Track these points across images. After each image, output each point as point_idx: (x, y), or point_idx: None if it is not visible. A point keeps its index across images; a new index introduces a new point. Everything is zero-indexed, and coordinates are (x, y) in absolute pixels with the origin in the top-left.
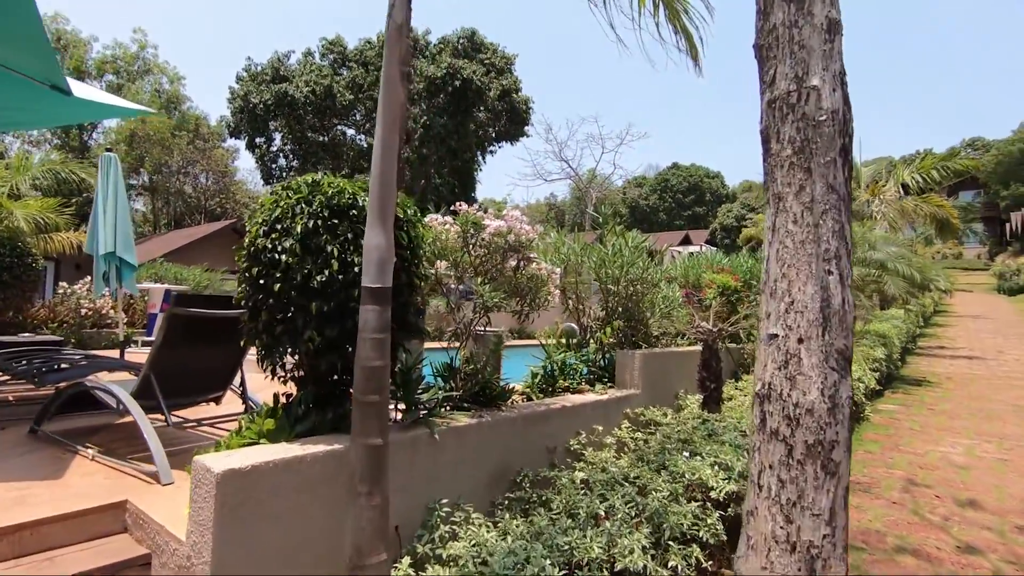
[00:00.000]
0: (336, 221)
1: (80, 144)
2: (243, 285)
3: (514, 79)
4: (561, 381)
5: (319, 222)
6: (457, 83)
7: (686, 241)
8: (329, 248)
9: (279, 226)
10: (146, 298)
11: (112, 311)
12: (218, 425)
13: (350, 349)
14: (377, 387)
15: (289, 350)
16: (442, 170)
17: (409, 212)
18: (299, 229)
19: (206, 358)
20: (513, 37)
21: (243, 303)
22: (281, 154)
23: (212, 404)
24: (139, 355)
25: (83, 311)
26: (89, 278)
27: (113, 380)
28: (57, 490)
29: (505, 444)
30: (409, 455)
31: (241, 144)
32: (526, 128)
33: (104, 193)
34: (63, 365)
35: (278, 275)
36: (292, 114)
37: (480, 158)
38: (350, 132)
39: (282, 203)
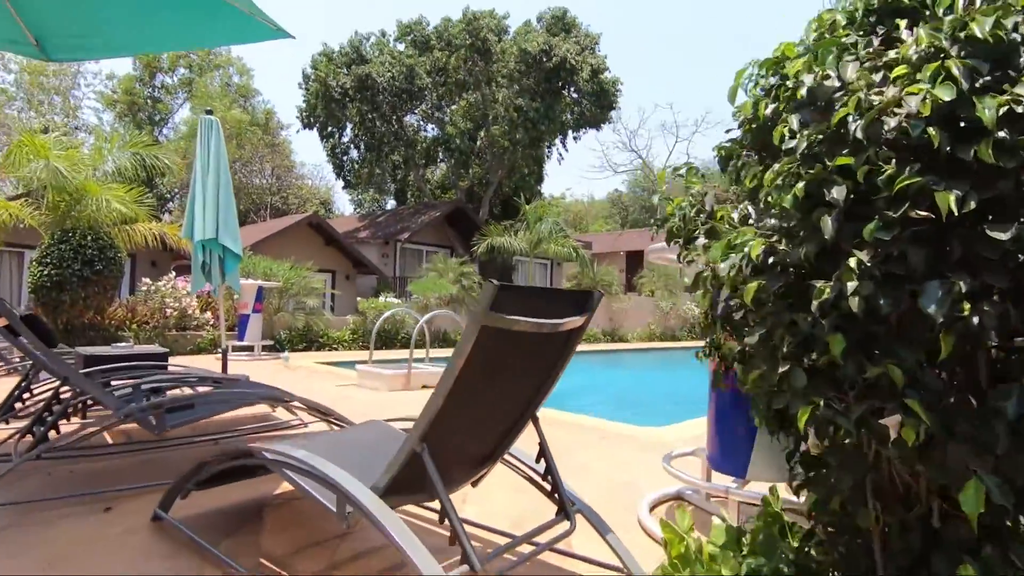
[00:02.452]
0: None
1: (153, 142)
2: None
3: (601, 58)
4: None
5: None
6: (552, 62)
7: None
8: None
9: None
10: (236, 297)
11: (198, 312)
12: (558, 550)
13: None
14: None
15: None
16: (528, 160)
17: None
18: None
19: (498, 406)
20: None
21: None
22: (352, 146)
23: (469, 487)
24: (240, 365)
25: (168, 311)
26: (173, 274)
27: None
28: None
29: None
30: None
31: (306, 135)
32: (612, 113)
33: (204, 166)
34: (180, 396)
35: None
36: (371, 99)
37: (562, 145)
38: (420, 121)
39: None
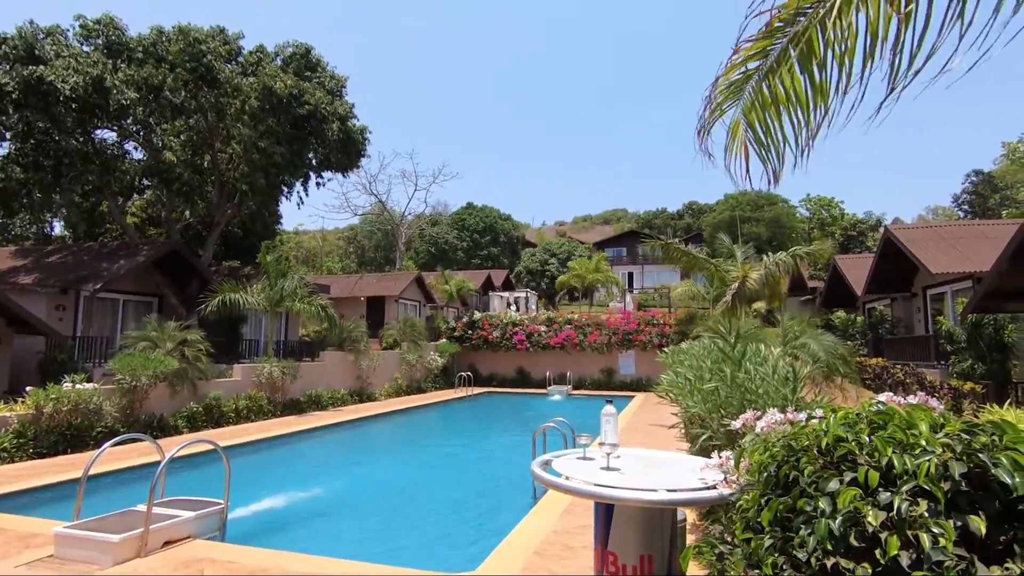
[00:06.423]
0: None
1: None
2: None
3: (348, 106)
4: None
5: None
6: (304, 109)
7: (488, 283)
8: None
9: None
10: None
11: None
12: None
13: None
14: None
15: None
16: (267, 203)
17: None
18: None
19: None
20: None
21: None
22: (14, 162)
23: None
24: None
25: None
26: None
27: None
28: None
29: None
30: None
31: None
32: (361, 160)
33: None
34: None
35: None
36: (46, 109)
37: (304, 190)
38: (120, 140)
39: None
